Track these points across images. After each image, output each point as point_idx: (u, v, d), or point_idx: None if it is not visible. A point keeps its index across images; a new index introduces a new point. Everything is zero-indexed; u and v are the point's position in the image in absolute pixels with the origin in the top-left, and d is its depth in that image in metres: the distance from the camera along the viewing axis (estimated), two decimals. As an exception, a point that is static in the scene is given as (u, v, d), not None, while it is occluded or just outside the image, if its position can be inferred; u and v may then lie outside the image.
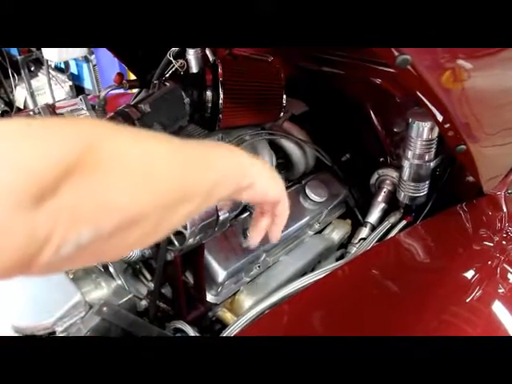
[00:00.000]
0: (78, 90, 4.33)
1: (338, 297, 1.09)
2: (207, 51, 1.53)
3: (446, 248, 1.24)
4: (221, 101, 1.29)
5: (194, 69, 1.42)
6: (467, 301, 1.08)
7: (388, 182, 1.56)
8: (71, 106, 1.44)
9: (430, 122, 1.31)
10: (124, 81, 1.43)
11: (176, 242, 1.06)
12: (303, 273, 1.40)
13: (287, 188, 1.52)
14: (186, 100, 1.28)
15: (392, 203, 1.54)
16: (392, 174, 1.54)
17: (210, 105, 1.31)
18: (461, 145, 1.13)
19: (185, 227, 1.02)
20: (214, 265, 1.23)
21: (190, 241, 1.04)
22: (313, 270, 1.45)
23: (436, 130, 1.32)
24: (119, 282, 1.22)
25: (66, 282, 0.99)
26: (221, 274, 1.23)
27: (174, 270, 1.13)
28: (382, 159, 1.61)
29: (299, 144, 1.51)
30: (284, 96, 1.38)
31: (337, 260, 1.53)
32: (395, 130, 1.54)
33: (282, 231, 1.37)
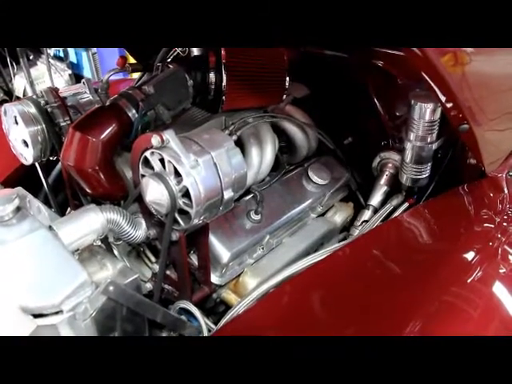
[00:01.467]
0: (77, 78, 4.27)
1: (339, 277, 1.08)
2: None
3: (446, 229, 1.23)
4: (224, 83, 1.26)
5: (196, 52, 1.40)
6: (468, 281, 1.07)
7: (390, 164, 1.54)
8: (74, 90, 1.41)
9: (432, 104, 1.29)
10: (127, 64, 1.40)
11: (181, 222, 1.04)
12: (306, 254, 1.39)
13: (290, 171, 1.51)
14: (190, 82, 1.26)
15: (394, 186, 1.53)
16: (394, 156, 1.53)
17: (213, 87, 1.29)
18: (464, 124, 1.11)
19: (190, 206, 1.00)
20: (218, 246, 1.21)
21: (196, 220, 1.03)
22: (316, 251, 1.43)
23: (438, 111, 1.30)
24: (124, 263, 1.20)
25: (72, 262, 0.97)
26: (225, 255, 1.21)
27: (179, 250, 1.11)
28: (384, 142, 1.59)
29: (302, 127, 1.49)
30: (287, 79, 1.35)
31: (339, 242, 1.52)
32: (397, 112, 1.52)
33: (286, 213, 1.39)
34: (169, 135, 0.98)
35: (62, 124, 1.31)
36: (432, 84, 1.01)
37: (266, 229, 1.30)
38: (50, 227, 1.01)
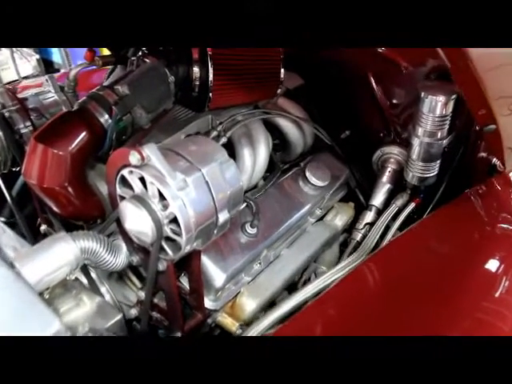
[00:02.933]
0: (45, 64, 3.96)
1: (365, 296, 0.94)
2: None
3: (468, 237, 1.08)
4: (210, 78, 1.07)
5: None
6: (496, 295, 0.98)
7: (392, 160, 1.38)
8: (36, 88, 1.20)
9: (444, 96, 1.12)
10: (96, 57, 1.18)
11: (169, 251, 0.86)
12: (307, 266, 1.23)
13: (285, 171, 1.33)
14: (171, 78, 1.06)
15: (397, 183, 1.37)
16: (397, 151, 1.36)
17: (197, 83, 1.09)
18: (490, 124, 0.95)
19: (179, 234, 0.82)
20: (212, 268, 1.04)
21: (186, 249, 0.85)
22: (315, 260, 1.27)
23: (451, 104, 1.14)
24: (106, 297, 1.02)
25: (40, 307, 0.78)
26: (220, 277, 1.04)
27: (167, 280, 0.93)
28: (384, 135, 1.42)
29: (296, 122, 1.31)
30: (282, 70, 1.16)
31: (340, 246, 1.36)
32: (400, 102, 1.34)
33: (284, 223, 1.22)
34: (150, 151, 0.79)
35: (22, 131, 1.11)
36: (460, 79, 0.84)
37: (264, 242, 1.13)
38: (12, 264, 0.82)
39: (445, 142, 1.20)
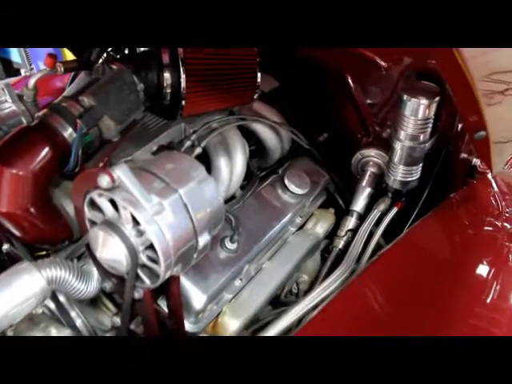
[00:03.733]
0: (4, 63, 3.74)
1: (361, 312, 0.90)
2: None
3: (454, 245, 1.05)
4: (183, 84, 0.98)
5: None
6: (488, 301, 0.96)
7: (372, 163, 1.33)
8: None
9: (426, 99, 1.07)
10: (58, 63, 1.07)
11: (146, 280, 0.78)
12: (290, 277, 1.17)
13: (262, 178, 1.26)
14: (140, 86, 0.97)
15: (378, 187, 1.32)
16: (376, 154, 1.31)
17: (169, 90, 1.00)
18: (481, 131, 0.90)
19: (156, 261, 0.74)
20: (192, 289, 0.96)
21: (166, 275, 0.77)
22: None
23: (433, 107, 1.09)
24: (77, 322, 0.93)
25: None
26: (200, 299, 0.96)
27: (144, 308, 0.85)
28: (363, 138, 1.36)
29: (273, 127, 1.24)
30: (259, 74, 1.09)
31: (322, 252, 1.30)
32: (380, 103, 1.29)
33: (265, 235, 1.15)
34: (121, 172, 0.70)
35: (-23, 146, 0.99)
36: (450, 84, 0.78)
37: (245, 258, 1.06)
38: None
39: (427, 145, 1.15)
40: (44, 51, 3.30)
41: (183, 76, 0.97)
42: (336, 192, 1.38)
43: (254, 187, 1.18)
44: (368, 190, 1.31)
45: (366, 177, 1.32)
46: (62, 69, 1.10)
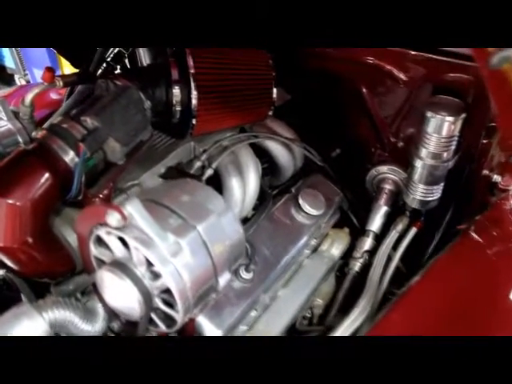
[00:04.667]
0: (-2, 69, 3.62)
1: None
2: None
3: (485, 274, 0.96)
4: (194, 101, 0.90)
5: (144, 55, 1.01)
6: None
7: (389, 180, 1.24)
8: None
9: (452, 116, 0.99)
10: (56, 77, 0.98)
11: (162, 325, 0.69)
12: (307, 304, 1.08)
13: (275, 196, 1.17)
14: (147, 104, 0.88)
15: (395, 205, 1.24)
16: (393, 171, 1.23)
17: (178, 108, 0.91)
18: (519, 153, 0.83)
19: (172, 305, 0.66)
20: (207, 326, 0.87)
21: (184, 320, 0.68)
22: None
23: (458, 124, 1.01)
24: None
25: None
26: (215, 335, 0.88)
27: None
28: (378, 152, 1.28)
29: (285, 144, 1.16)
30: (274, 90, 1.00)
31: (337, 277, 1.22)
32: (398, 118, 1.21)
33: (280, 261, 1.07)
34: (133, 209, 0.62)
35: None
36: (497, 103, 0.71)
37: (260, 287, 0.97)
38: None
39: (450, 163, 1.08)
40: (39, 57, 3.18)
41: (194, 92, 0.89)
42: (350, 210, 1.30)
43: (267, 209, 1.09)
44: (384, 209, 1.23)
45: (383, 194, 1.24)
46: (61, 83, 1.00)
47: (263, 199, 1.13)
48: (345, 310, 1.04)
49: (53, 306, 0.71)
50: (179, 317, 0.66)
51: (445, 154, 1.06)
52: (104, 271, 0.65)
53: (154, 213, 0.64)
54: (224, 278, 0.71)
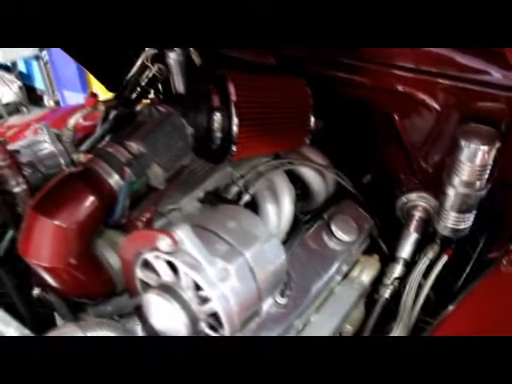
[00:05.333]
0: (28, 90, 3.70)
1: None
2: (193, 55, 1.14)
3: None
4: (235, 128, 0.91)
5: (176, 76, 1.04)
6: None
7: (419, 208, 1.24)
8: (29, 139, 1.02)
9: (486, 146, 0.99)
10: (99, 102, 1.01)
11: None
12: (338, 331, 1.07)
13: (306, 222, 1.17)
14: (189, 130, 0.89)
15: (425, 232, 1.23)
16: (423, 198, 1.23)
17: (219, 134, 0.93)
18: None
19: (216, 328, 0.66)
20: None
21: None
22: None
23: (492, 153, 1.01)
24: None
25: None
26: (251, 360, 0.87)
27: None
28: (408, 179, 1.28)
29: (318, 170, 1.16)
30: (312, 118, 1.02)
31: (366, 306, 1.21)
32: (430, 146, 1.21)
33: (313, 287, 1.07)
34: (184, 235, 0.63)
35: (15, 190, 0.92)
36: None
37: (295, 312, 0.97)
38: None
39: (483, 192, 1.07)
40: (69, 80, 3.24)
41: (235, 119, 0.90)
42: (379, 236, 1.29)
43: (299, 234, 1.09)
44: (415, 236, 1.23)
45: (413, 221, 1.23)
46: (103, 108, 1.03)
47: (295, 224, 1.13)
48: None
49: (95, 326, 0.72)
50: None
51: (478, 183, 1.06)
52: (152, 294, 0.66)
53: (202, 238, 0.65)
54: (267, 303, 0.71)
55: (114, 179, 0.81)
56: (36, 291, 1.06)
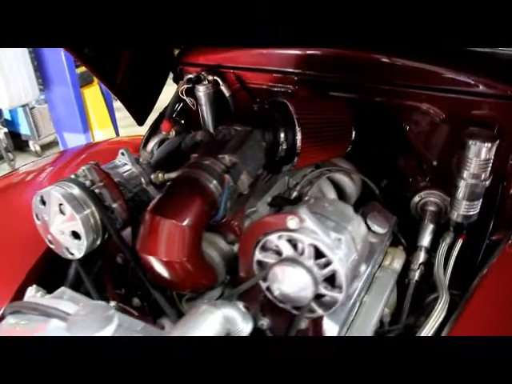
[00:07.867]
0: (13, 136, 3.73)
1: None
2: (222, 87, 1.35)
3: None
4: (298, 142, 1.10)
5: (205, 106, 1.24)
6: None
7: (431, 203, 1.47)
8: (111, 163, 1.16)
9: (489, 143, 1.24)
10: (174, 128, 1.17)
11: (319, 310, 0.85)
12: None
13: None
14: (263, 144, 1.08)
15: (438, 223, 1.45)
16: (434, 194, 1.45)
17: (284, 147, 1.11)
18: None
19: (332, 290, 0.82)
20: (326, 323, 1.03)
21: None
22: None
23: (493, 149, 1.25)
24: None
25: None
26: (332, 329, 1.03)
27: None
28: (420, 181, 1.51)
29: (349, 175, 1.37)
30: (353, 130, 1.22)
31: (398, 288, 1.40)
32: (438, 149, 1.45)
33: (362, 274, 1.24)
34: (305, 214, 0.80)
35: (113, 206, 1.05)
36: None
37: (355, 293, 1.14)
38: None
39: (487, 182, 1.31)
40: (69, 121, 3.24)
41: (299, 135, 1.09)
42: (399, 232, 1.50)
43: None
44: (431, 227, 1.44)
45: (428, 215, 1.45)
46: (174, 132, 1.20)
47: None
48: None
49: (223, 306, 0.86)
50: (342, 296, 0.82)
51: (483, 175, 1.29)
52: (282, 267, 0.82)
53: (315, 217, 0.83)
54: (363, 267, 0.89)
55: (213, 183, 0.97)
56: (112, 303, 1.18)
